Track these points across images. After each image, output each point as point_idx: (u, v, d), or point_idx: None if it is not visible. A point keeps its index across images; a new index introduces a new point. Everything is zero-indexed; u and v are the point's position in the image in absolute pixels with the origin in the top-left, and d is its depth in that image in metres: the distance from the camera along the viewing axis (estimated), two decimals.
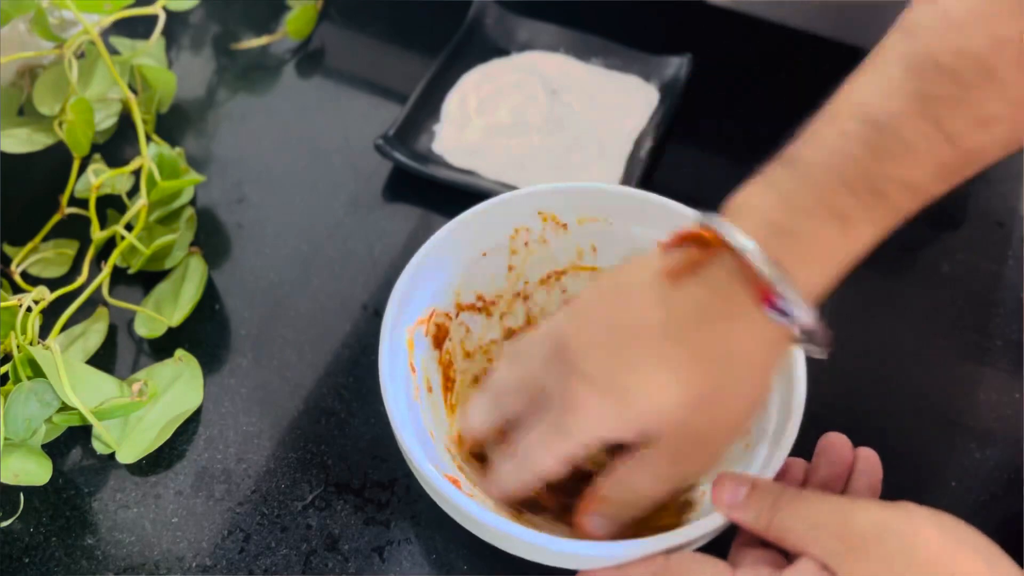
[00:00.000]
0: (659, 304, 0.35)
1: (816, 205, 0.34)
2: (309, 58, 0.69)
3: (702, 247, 0.35)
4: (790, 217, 0.34)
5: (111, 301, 0.53)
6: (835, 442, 0.42)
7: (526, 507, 0.44)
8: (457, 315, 0.49)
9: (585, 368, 0.36)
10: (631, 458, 0.38)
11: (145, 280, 0.56)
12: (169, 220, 0.58)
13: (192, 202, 0.59)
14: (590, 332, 0.37)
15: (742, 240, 0.33)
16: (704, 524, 0.38)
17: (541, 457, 0.38)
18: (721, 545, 0.39)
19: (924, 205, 0.35)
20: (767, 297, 0.33)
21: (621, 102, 0.64)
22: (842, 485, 0.41)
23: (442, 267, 0.47)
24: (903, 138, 0.33)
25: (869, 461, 0.41)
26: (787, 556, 0.38)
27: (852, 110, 0.34)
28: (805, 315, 0.34)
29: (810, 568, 0.35)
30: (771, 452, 0.41)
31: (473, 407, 0.42)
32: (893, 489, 0.39)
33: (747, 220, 0.34)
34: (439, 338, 0.48)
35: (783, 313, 0.34)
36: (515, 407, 0.40)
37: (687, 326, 0.35)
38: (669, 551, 0.38)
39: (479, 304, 0.50)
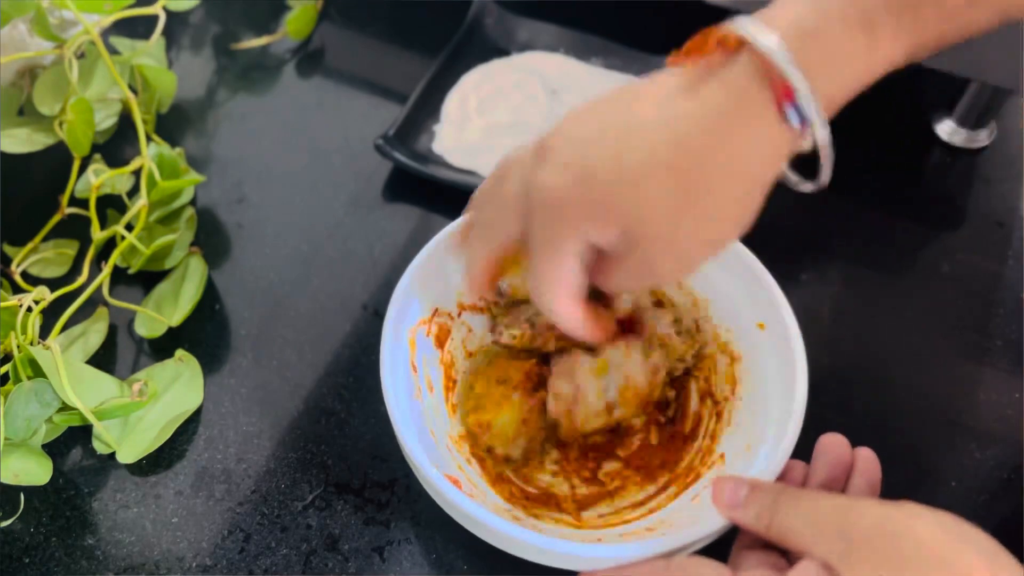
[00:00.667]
0: (664, 104, 0.34)
1: (846, 8, 0.32)
2: (309, 58, 0.69)
3: (723, 48, 0.33)
4: (818, 19, 0.32)
5: (111, 301, 0.53)
6: (834, 442, 0.42)
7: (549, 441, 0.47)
8: (459, 315, 0.49)
9: (562, 159, 0.34)
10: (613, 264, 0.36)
11: (145, 280, 0.56)
12: (169, 220, 0.58)
13: (192, 202, 0.60)
14: (578, 129, 0.35)
15: (765, 38, 0.32)
16: (704, 526, 0.38)
17: (552, 272, 0.36)
18: (722, 549, 0.39)
19: (950, 34, 0.33)
20: (787, 95, 0.32)
21: None
22: (842, 485, 0.41)
23: (444, 268, 0.47)
24: None
25: (868, 461, 0.41)
26: (788, 558, 0.38)
27: None
28: (821, 123, 0.32)
29: (812, 569, 0.34)
30: (771, 453, 0.41)
31: (465, 248, 0.40)
32: (893, 489, 0.39)
33: (771, 20, 0.33)
34: (441, 338, 0.48)
35: (799, 117, 0.32)
36: (507, 229, 0.38)
37: (690, 130, 0.33)
38: (669, 553, 0.38)
39: (481, 304, 0.50)
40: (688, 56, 0.35)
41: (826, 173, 0.34)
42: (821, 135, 0.32)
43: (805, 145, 0.33)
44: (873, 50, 0.33)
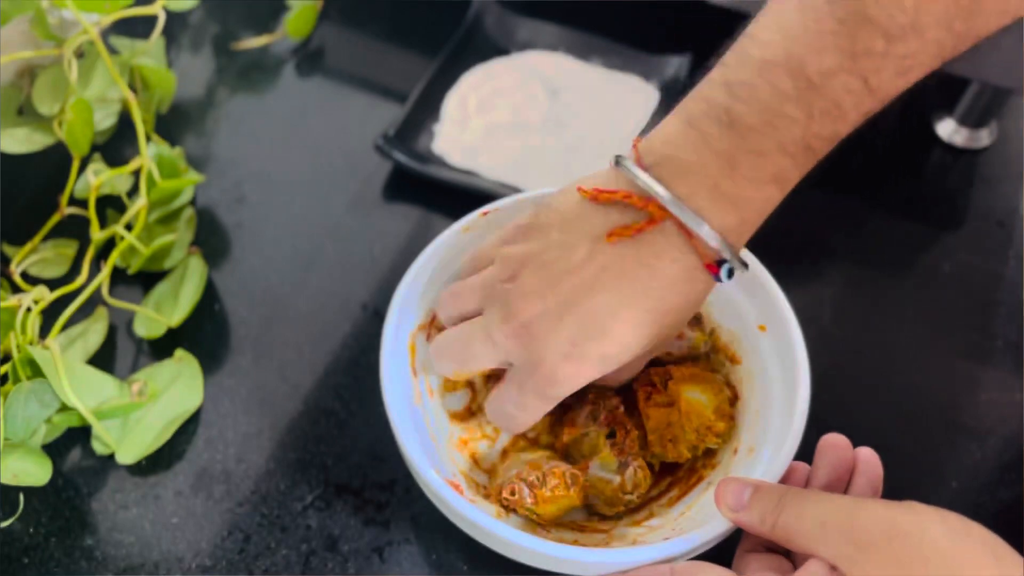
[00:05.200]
0: (615, 265, 0.37)
1: (759, 172, 0.35)
2: (309, 58, 0.69)
3: (641, 211, 0.36)
4: (737, 186, 0.35)
5: (111, 301, 0.53)
6: (835, 443, 0.42)
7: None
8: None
9: (551, 343, 0.38)
10: None
11: (145, 280, 0.56)
12: (169, 220, 0.58)
13: (192, 202, 0.59)
14: (545, 310, 0.38)
15: (700, 225, 0.35)
16: (707, 530, 0.38)
17: (524, 421, 0.41)
18: (726, 554, 0.39)
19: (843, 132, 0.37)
20: (716, 271, 0.37)
21: (621, 102, 0.64)
22: (845, 486, 0.41)
23: (444, 271, 0.47)
24: (835, 98, 0.34)
25: (869, 461, 0.41)
26: (792, 561, 0.38)
27: (787, 63, 0.35)
28: (742, 268, 0.37)
29: (819, 570, 0.34)
30: (774, 456, 0.40)
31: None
32: (893, 489, 0.39)
33: (690, 187, 0.36)
34: None
35: (729, 275, 0.37)
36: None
37: (637, 286, 0.37)
38: (673, 558, 0.38)
39: None
40: (606, 202, 0.38)
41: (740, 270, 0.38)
42: (740, 269, 0.38)
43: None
44: (783, 193, 0.37)
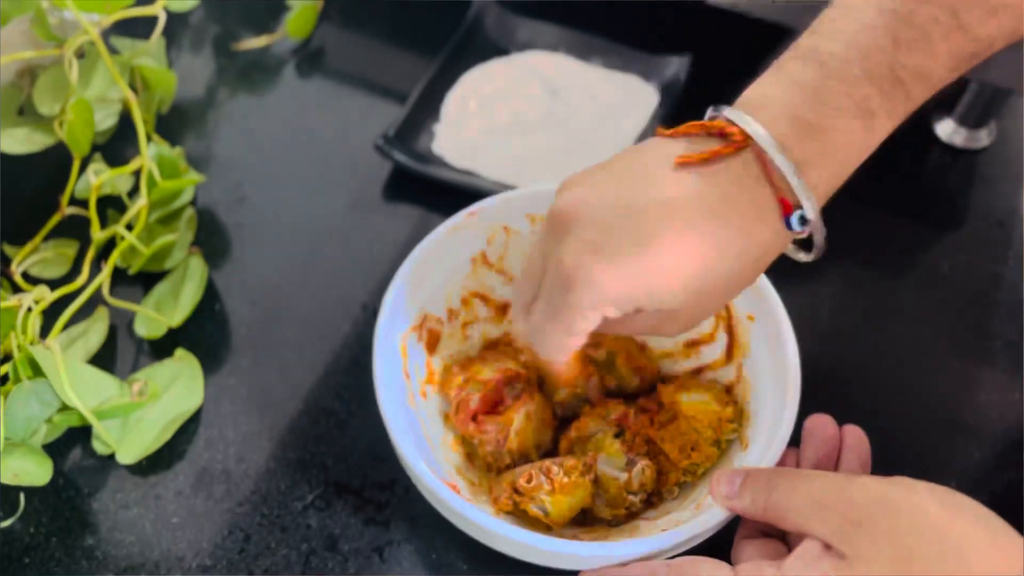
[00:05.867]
0: (679, 184, 0.34)
1: (845, 100, 0.34)
2: (309, 58, 0.69)
3: (722, 139, 0.34)
4: (819, 114, 0.34)
5: (111, 301, 0.53)
6: (821, 422, 0.42)
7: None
8: (449, 320, 0.49)
9: (588, 236, 0.34)
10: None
11: (145, 280, 0.56)
12: (169, 220, 0.58)
13: (192, 202, 0.59)
14: (595, 206, 0.35)
15: (771, 144, 0.33)
16: (702, 521, 0.38)
17: (552, 335, 0.37)
18: (724, 548, 0.39)
19: (931, 97, 0.35)
20: (789, 209, 0.34)
21: (621, 102, 0.64)
22: (834, 464, 0.41)
23: (432, 273, 0.47)
24: (923, 28, 0.33)
25: (857, 437, 0.42)
26: (788, 543, 0.38)
27: None
28: (820, 227, 0.35)
29: (814, 550, 0.34)
30: (767, 445, 0.41)
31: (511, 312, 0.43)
32: None
33: (771, 115, 0.34)
34: (432, 344, 0.48)
35: (801, 222, 0.34)
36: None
37: (711, 208, 0.34)
38: (668, 550, 0.38)
39: None
40: (685, 134, 0.36)
41: (820, 248, 0.36)
42: (818, 237, 0.35)
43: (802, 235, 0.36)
44: (871, 134, 0.35)
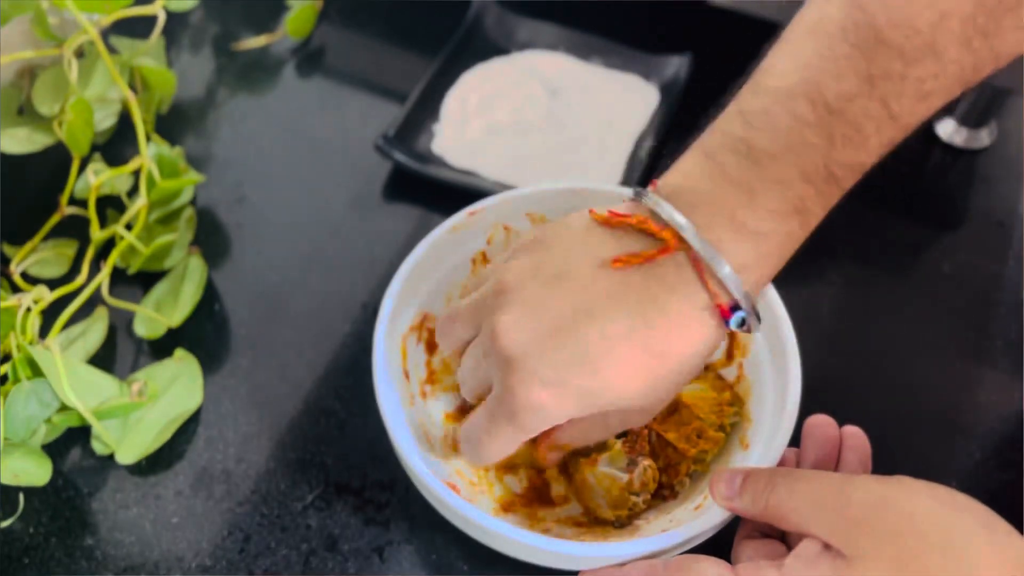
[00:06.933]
0: (616, 298, 0.35)
1: (781, 203, 0.34)
2: (309, 58, 0.69)
3: (653, 239, 0.35)
4: (757, 218, 0.34)
5: (111, 301, 0.53)
6: (821, 422, 0.42)
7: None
8: None
9: (531, 366, 0.35)
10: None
11: (145, 280, 0.56)
12: (169, 220, 0.58)
13: (192, 202, 0.59)
14: (532, 327, 0.35)
15: (713, 256, 0.33)
16: (702, 521, 0.38)
17: (491, 451, 0.38)
18: (723, 547, 0.39)
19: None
20: (728, 315, 0.34)
21: (621, 102, 0.64)
22: (834, 464, 0.41)
23: (432, 272, 0.47)
24: (855, 123, 0.33)
25: (857, 437, 0.42)
26: (787, 543, 0.38)
27: (804, 89, 0.34)
28: (756, 326, 0.35)
29: (813, 549, 0.34)
30: (768, 445, 0.41)
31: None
32: None
33: (707, 218, 0.34)
34: (432, 344, 0.48)
35: (739, 323, 0.35)
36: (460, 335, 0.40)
37: (647, 319, 0.34)
38: (668, 550, 0.38)
39: None
40: (619, 226, 0.36)
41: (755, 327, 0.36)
42: (755, 326, 0.35)
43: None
44: (805, 229, 0.35)
